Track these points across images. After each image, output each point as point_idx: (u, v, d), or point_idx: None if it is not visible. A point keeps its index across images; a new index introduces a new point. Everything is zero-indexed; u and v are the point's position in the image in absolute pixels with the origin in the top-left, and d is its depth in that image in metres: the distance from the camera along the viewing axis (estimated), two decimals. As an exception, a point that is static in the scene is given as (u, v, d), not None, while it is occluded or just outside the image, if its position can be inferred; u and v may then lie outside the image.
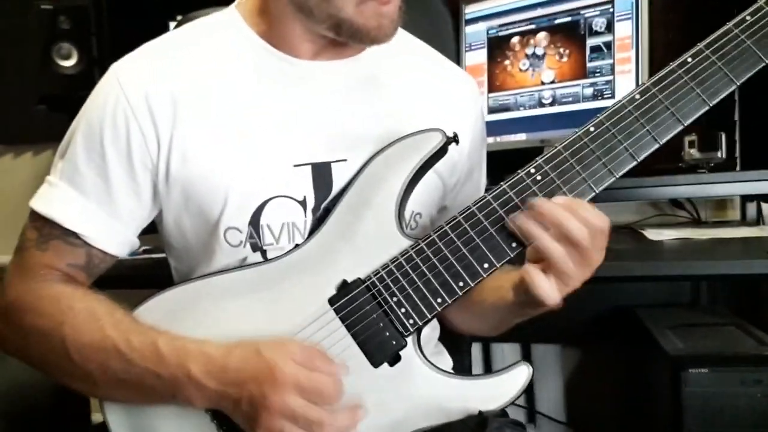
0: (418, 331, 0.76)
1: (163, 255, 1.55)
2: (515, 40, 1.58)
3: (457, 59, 1.65)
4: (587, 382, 1.80)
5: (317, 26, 0.79)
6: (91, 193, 0.80)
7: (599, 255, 0.72)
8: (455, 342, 1.09)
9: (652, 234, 1.37)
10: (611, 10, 1.46)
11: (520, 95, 1.57)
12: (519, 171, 0.76)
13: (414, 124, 0.83)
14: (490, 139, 1.62)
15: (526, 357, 1.82)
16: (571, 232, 0.69)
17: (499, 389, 0.75)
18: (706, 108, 0.77)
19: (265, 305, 0.77)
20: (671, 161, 1.48)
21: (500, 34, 1.60)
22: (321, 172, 0.81)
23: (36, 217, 0.81)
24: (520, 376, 0.75)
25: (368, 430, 0.74)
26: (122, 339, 0.73)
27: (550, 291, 0.71)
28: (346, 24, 0.77)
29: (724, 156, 1.43)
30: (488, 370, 1.85)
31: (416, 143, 0.80)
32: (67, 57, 1.65)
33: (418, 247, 0.76)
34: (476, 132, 0.94)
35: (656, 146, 0.77)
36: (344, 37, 0.79)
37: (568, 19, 1.51)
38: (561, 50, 1.52)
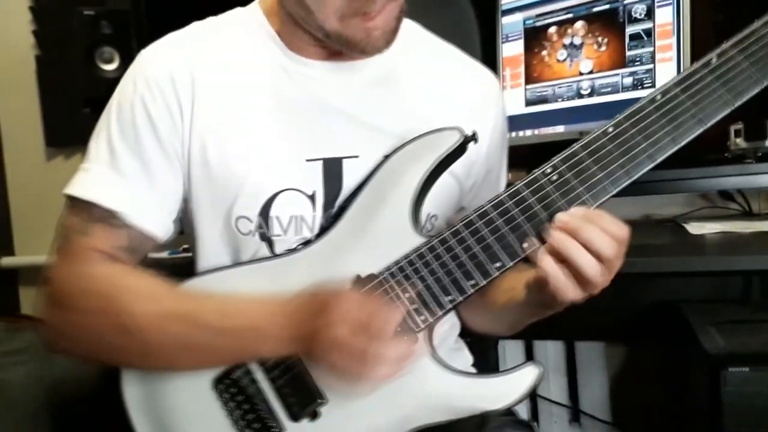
0: (429, 327, 0.79)
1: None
2: (552, 30, 1.57)
3: (493, 51, 1.66)
4: (633, 380, 1.78)
5: (316, 33, 0.82)
6: (128, 173, 0.84)
7: (620, 262, 0.74)
8: (483, 340, 1.11)
9: (694, 228, 1.35)
10: (651, -4, 1.44)
11: (558, 86, 1.57)
12: (535, 170, 0.78)
13: (430, 123, 0.85)
14: (528, 132, 1.62)
15: (570, 355, 1.82)
16: (601, 250, 0.71)
17: (506, 388, 0.77)
18: (730, 109, 0.77)
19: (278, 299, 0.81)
20: (717, 151, 1.46)
21: (537, 24, 1.60)
22: (332, 168, 0.84)
23: (74, 204, 0.85)
24: (527, 376, 0.77)
25: (376, 424, 0.78)
26: (193, 305, 0.80)
27: (572, 290, 0.73)
28: (334, 35, 0.80)
29: (771, 145, 1.40)
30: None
31: (433, 142, 0.82)
32: (110, 61, 1.73)
33: (431, 244, 0.78)
34: (496, 133, 0.95)
35: (675, 148, 0.77)
36: (338, 47, 0.82)
37: (607, 6, 1.50)
38: (599, 39, 1.51)
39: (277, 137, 0.84)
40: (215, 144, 0.83)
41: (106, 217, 0.84)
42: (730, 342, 1.27)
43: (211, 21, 0.90)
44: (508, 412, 0.81)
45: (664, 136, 0.76)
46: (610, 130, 0.77)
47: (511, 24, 1.63)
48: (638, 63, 1.46)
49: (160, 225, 0.86)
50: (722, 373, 1.15)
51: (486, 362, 1.17)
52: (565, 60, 1.56)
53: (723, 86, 0.76)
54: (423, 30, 0.96)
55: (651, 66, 1.45)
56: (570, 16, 1.55)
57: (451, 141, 0.81)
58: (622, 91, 1.49)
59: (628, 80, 1.48)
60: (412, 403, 0.78)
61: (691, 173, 1.43)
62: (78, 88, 1.73)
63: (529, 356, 1.85)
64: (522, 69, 1.62)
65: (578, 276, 0.71)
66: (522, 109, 1.62)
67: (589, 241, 0.70)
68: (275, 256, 0.84)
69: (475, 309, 0.92)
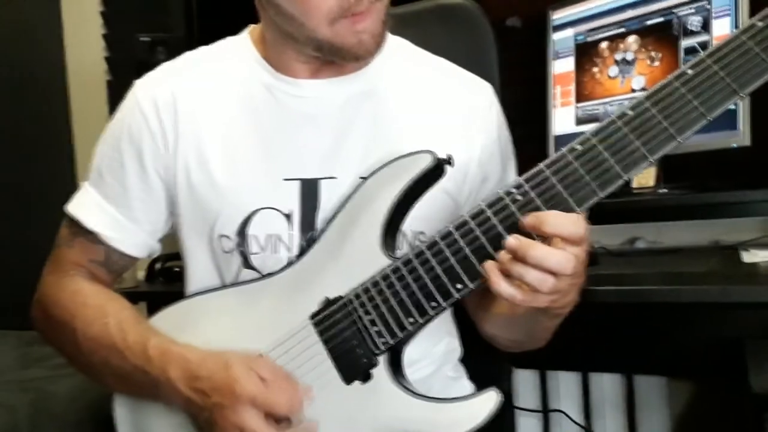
0: (391, 350, 0.81)
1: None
2: (604, 45, 1.56)
3: (543, 68, 1.66)
4: (698, 419, 1.69)
5: (305, 49, 0.87)
6: (111, 197, 0.94)
7: (580, 264, 0.73)
8: (492, 368, 1.11)
9: (749, 256, 1.29)
10: (708, 6, 1.40)
11: (610, 104, 1.54)
12: (499, 190, 0.78)
13: (415, 139, 0.88)
14: (581, 152, 1.60)
15: (629, 390, 1.75)
16: (551, 267, 0.70)
17: (465, 415, 0.77)
18: (705, 122, 0.75)
19: (253, 320, 0.87)
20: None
21: (588, 39, 1.58)
22: (309, 188, 0.89)
23: (68, 218, 0.97)
24: (488, 401, 0.77)
25: None
26: (121, 337, 0.87)
27: (508, 290, 0.72)
28: (326, 45, 0.84)
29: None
30: (586, 405, 1.81)
31: (405, 165, 0.84)
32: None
33: (394, 266, 0.81)
34: (491, 140, 0.97)
35: (647, 163, 0.76)
36: (329, 57, 0.87)
37: (660, 19, 1.47)
38: (652, 54, 1.48)
39: (256, 157, 0.90)
40: (198, 167, 0.91)
41: (87, 233, 0.95)
42: (784, 382, 1.20)
43: (201, 50, 0.99)
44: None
45: (633, 152, 0.75)
46: (578, 147, 0.77)
47: (562, 40, 1.63)
48: (693, 78, 1.42)
49: (137, 246, 0.96)
50: (766, 416, 1.09)
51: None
52: (616, 76, 1.54)
53: (697, 98, 0.74)
54: (412, 46, 1.00)
55: (706, 81, 1.40)
56: (622, 30, 1.53)
57: (423, 165, 0.83)
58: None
59: (683, 96, 1.43)
60: (368, 426, 0.81)
61: (752, 196, 1.37)
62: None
63: (585, 390, 1.80)
64: (573, 86, 1.61)
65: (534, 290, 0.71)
66: (573, 128, 1.61)
67: (537, 260, 0.70)
68: (254, 279, 0.90)
69: (496, 322, 0.95)
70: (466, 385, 1.02)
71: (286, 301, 0.86)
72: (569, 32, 1.61)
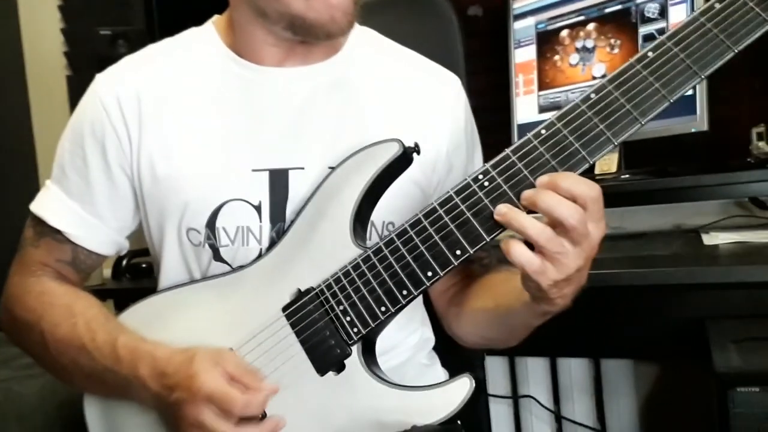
0: (363, 339, 0.80)
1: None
2: (564, 33, 1.57)
3: (506, 58, 1.66)
4: (664, 401, 1.72)
5: (275, 27, 0.86)
6: (75, 194, 0.92)
7: (597, 228, 0.70)
8: (465, 356, 1.11)
9: (709, 238, 1.31)
10: (665, -7, 1.42)
11: (571, 92, 1.56)
12: (467, 177, 0.78)
13: (382, 129, 0.88)
14: (543, 140, 1.61)
15: (596, 373, 1.78)
16: (562, 217, 0.67)
17: (439, 402, 0.77)
18: (667, 104, 0.75)
19: (225, 314, 0.85)
20: (740, 156, 1.41)
21: (549, 28, 1.59)
22: (278, 179, 0.88)
23: (33, 217, 0.95)
24: (462, 388, 0.77)
25: None
26: (89, 337, 0.84)
27: (531, 261, 0.69)
28: (299, 20, 0.83)
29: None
30: (555, 389, 1.83)
31: (372, 155, 0.83)
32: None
33: (366, 255, 0.80)
34: (458, 131, 0.97)
35: (611, 146, 0.76)
36: (301, 35, 0.86)
37: (619, 7, 1.48)
38: (612, 41, 1.49)
39: (222, 149, 0.88)
40: (163, 160, 0.88)
41: (53, 233, 0.93)
42: (745, 360, 1.22)
43: (165, 41, 0.96)
44: (448, 427, 0.80)
45: (598, 136, 0.75)
46: (543, 132, 0.77)
47: (523, 29, 1.64)
48: (652, 64, 1.43)
49: (103, 243, 0.94)
50: (730, 393, 1.11)
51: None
52: (577, 64, 1.55)
53: (658, 80, 0.75)
54: (380, 37, 0.99)
55: (665, 67, 1.42)
56: (582, 18, 1.54)
57: (390, 153, 0.82)
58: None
59: (642, 83, 1.45)
60: (342, 416, 0.80)
61: (711, 180, 1.39)
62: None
63: (554, 375, 1.82)
64: (535, 75, 1.62)
65: (544, 252, 0.69)
66: (535, 116, 1.62)
67: (548, 210, 0.68)
68: (225, 273, 0.88)
69: (473, 318, 0.93)
70: (440, 372, 1.02)
71: (258, 294, 0.85)
72: (530, 21, 1.62)
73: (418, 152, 0.85)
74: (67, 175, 0.92)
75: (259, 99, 0.90)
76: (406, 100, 0.94)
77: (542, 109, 1.61)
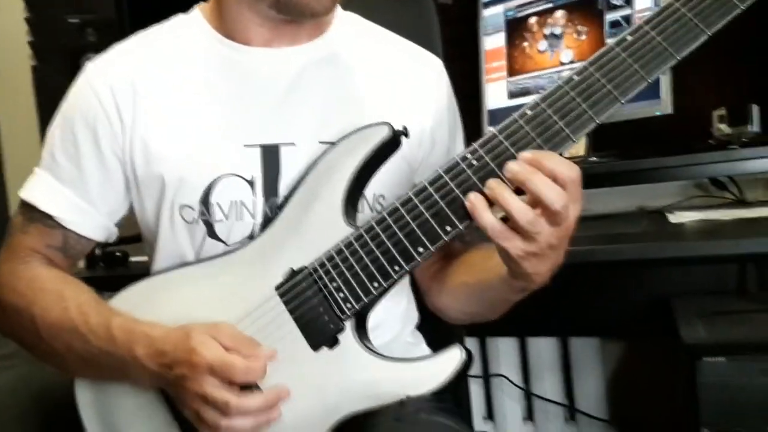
0: (357, 314, 0.82)
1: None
2: (533, 20, 1.60)
3: (476, 45, 1.69)
4: (630, 377, 1.79)
5: (261, 6, 0.88)
6: (66, 179, 0.92)
7: (574, 209, 0.73)
8: (447, 335, 1.14)
9: (675, 217, 1.36)
10: (629, -19, 1.46)
11: (540, 77, 1.60)
12: (455, 156, 0.81)
13: (370, 107, 0.91)
14: (513, 125, 1.64)
15: (564, 352, 1.83)
16: (548, 201, 0.70)
17: (429, 373, 0.79)
18: (645, 84, 0.79)
19: (218, 294, 0.87)
20: (701, 138, 1.46)
21: (518, 15, 1.63)
22: (270, 154, 0.90)
23: (22, 204, 0.95)
24: (452, 359, 0.79)
25: (304, 413, 0.82)
26: (82, 320, 0.85)
27: (519, 243, 0.72)
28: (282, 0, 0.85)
29: (756, 129, 1.40)
30: (525, 368, 1.88)
31: (364, 137, 0.86)
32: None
33: (358, 233, 0.82)
34: (441, 109, 1.00)
35: (594, 125, 0.79)
36: (285, 14, 0.88)
37: (586, -6, 1.52)
38: (579, 28, 1.53)
39: (214, 125, 0.90)
40: (156, 140, 0.90)
41: (43, 218, 0.93)
42: (711, 333, 1.27)
43: (153, 28, 0.97)
44: (434, 398, 0.83)
45: (580, 116, 0.78)
46: (528, 112, 0.80)
47: (492, 16, 1.67)
48: (618, 51, 1.48)
49: (95, 228, 0.95)
50: (697, 364, 1.16)
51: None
52: (546, 50, 1.59)
53: (636, 62, 0.78)
54: (364, 20, 1.02)
55: (630, 53, 1.46)
56: (550, 5, 1.58)
57: (380, 136, 0.85)
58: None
59: (609, 68, 1.49)
60: (336, 390, 0.82)
61: (675, 161, 1.43)
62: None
63: (523, 354, 1.87)
64: (504, 62, 1.65)
65: (521, 229, 0.71)
66: (505, 102, 1.65)
67: (535, 191, 0.70)
68: (217, 255, 0.90)
69: (454, 293, 0.96)
70: (425, 350, 1.05)
71: (251, 275, 0.86)
72: (499, 8, 1.66)
73: (407, 135, 0.87)
74: (58, 162, 0.93)
75: (248, 78, 0.92)
76: (390, 80, 0.97)
77: (512, 95, 1.65)
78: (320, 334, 0.82)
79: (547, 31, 1.58)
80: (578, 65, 0.80)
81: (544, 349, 1.84)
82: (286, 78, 0.92)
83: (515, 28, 1.63)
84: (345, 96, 0.94)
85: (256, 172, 0.90)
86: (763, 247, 1.10)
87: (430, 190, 0.81)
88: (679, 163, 1.43)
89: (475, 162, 0.80)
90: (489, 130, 0.81)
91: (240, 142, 0.90)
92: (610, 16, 1.49)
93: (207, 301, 0.87)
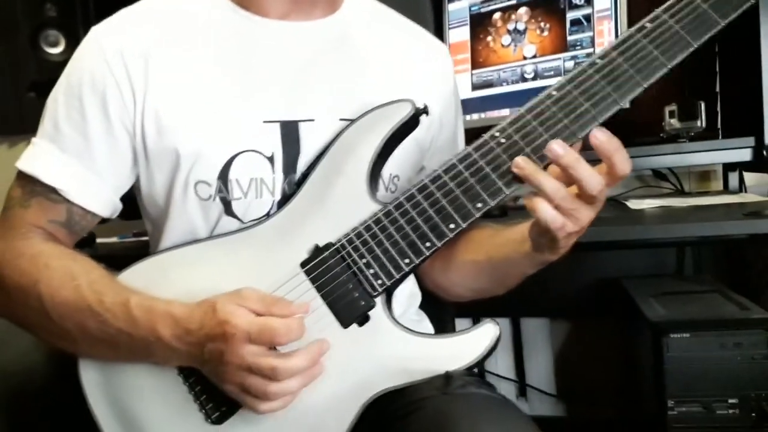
0: (387, 291, 0.78)
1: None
2: (497, 16, 1.59)
3: (441, 36, 1.66)
4: (576, 354, 1.82)
5: None
6: (71, 150, 0.83)
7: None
8: (438, 312, 1.11)
9: (634, 204, 1.39)
10: (590, -18, 1.47)
11: (503, 71, 1.59)
12: (483, 135, 0.78)
13: (384, 87, 0.87)
14: (475, 116, 1.63)
15: (516, 331, 1.84)
16: (593, 191, 0.70)
17: (466, 348, 0.76)
18: (666, 70, 0.78)
19: (239, 271, 0.80)
20: (652, 133, 1.50)
21: (482, 10, 1.61)
22: (289, 130, 0.83)
23: (20, 176, 0.84)
24: (487, 334, 0.77)
25: (335, 391, 0.76)
26: (96, 299, 0.76)
27: (555, 218, 0.70)
28: None
29: (703, 125, 1.44)
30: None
31: (387, 113, 0.82)
32: (55, 44, 1.67)
33: (386, 209, 0.78)
34: (447, 92, 0.98)
35: (617, 108, 0.78)
36: None
37: (549, -7, 1.52)
38: (542, 24, 1.53)
39: (233, 100, 0.82)
40: (170, 112, 0.81)
41: (46, 191, 0.83)
42: (669, 311, 1.31)
43: None
44: (470, 372, 0.80)
45: (606, 98, 0.77)
46: (554, 93, 0.78)
47: (457, 10, 1.65)
48: (579, 47, 1.49)
49: (101, 202, 0.85)
50: (664, 340, 1.19)
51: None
52: (509, 45, 1.58)
53: (656, 48, 0.78)
54: (377, 3, 0.98)
55: (591, 50, 1.48)
56: (513, 2, 1.57)
57: (404, 112, 0.82)
58: (564, 75, 1.50)
59: (570, 64, 1.51)
60: (368, 367, 0.77)
61: (628, 152, 1.46)
62: (23, 72, 1.67)
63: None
64: (468, 54, 1.63)
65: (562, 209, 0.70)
66: (469, 94, 1.63)
67: (581, 179, 0.69)
68: (235, 231, 0.82)
69: (462, 271, 0.92)
70: (429, 328, 1.01)
71: (271, 251, 0.80)
72: (464, 3, 1.63)
73: (427, 113, 0.84)
74: (62, 131, 0.83)
75: (265, 51, 0.85)
76: (401, 62, 0.93)
77: (475, 87, 1.63)
78: (350, 311, 0.77)
79: (510, 26, 1.57)
80: (601, 50, 0.79)
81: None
82: (303, 53, 0.86)
83: (479, 23, 1.62)
84: (359, 74, 0.89)
85: (276, 148, 0.83)
86: (718, 230, 1.12)
87: (460, 167, 0.78)
88: (634, 154, 1.45)
89: (503, 140, 0.77)
90: (516, 110, 0.79)
91: (259, 118, 0.83)
92: (572, 15, 1.49)
93: (228, 278, 0.79)
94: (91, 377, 0.82)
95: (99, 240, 1.51)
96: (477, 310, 1.83)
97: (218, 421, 0.78)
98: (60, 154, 0.83)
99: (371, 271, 0.77)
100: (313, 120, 0.84)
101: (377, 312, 0.78)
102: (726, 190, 1.64)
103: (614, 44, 0.79)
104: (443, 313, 1.13)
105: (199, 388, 0.78)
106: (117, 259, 1.03)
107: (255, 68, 0.84)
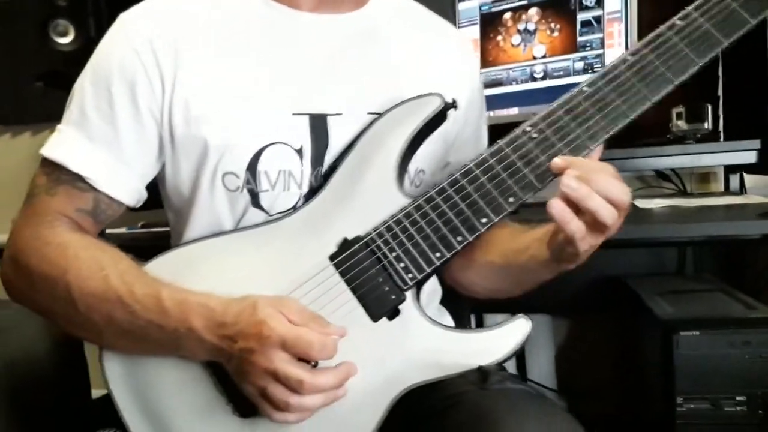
0: (418, 285, 0.76)
1: (161, 229, 1.55)
2: (507, 15, 1.57)
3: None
4: (578, 351, 1.81)
5: None
6: (99, 139, 0.80)
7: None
8: (455, 308, 1.09)
9: (642, 203, 1.38)
10: (601, -16, 1.46)
11: (512, 70, 1.57)
12: (515, 129, 0.77)
13: (412, 81, 0.84)
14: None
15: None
16: (613, 196, 0.67)
17: (497, 343, 0.75)
18: (696, 67, 0.77)
19: (266, 264, 0.78)
20: (659, 134, 1.49)
21: (493, 10, 1.59)
22: (318, 124, 0.81)
23: (45, 164, 0.81)
24: (518, 329, 0.75)
25: (365, 385, 0.74)
26: (126, 290, 0.73)
27: (580, 229, 0.67)
28: None
29: (710, 127, 1.44)
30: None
31: (416, 107, 0.80)
32: (64, 34, 1.63)
33: (417, 203, 0.76)
34: (472, 88, 0.95)
35: (648, 104, 0.77)
36: None
37: (559, -6, 1.51)
38: (552, 25, 1.52)
39: (263, 91, 0.80)
40: (199, 101, 0.79)
41: (73, 179, 0.80)
42: (678, 309, 1.30)
43: None
44: (501, 368, 0.79)
45: (636, 94, 0.76)
46: (586, 89, 0.77)
47: (467, 9, 1.63)
48: (588, 48, 1.48)
49: (128, 192, 0.82)
50: (674, 337, 1.17)
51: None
52: (519, 45, 1.57)
53: (687, 46, 0.76)
54: None
55: (601, 51, 1.46)
56: (524, 2, 1.55)
57: (433, 106, 0.80)
58: (574, 75, 1.50)
59: (579, 64, 1.49)
60: (399, 361, 0.75)
61: (634, 153, 1.45)
62: (30, 61, 1.63)
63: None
64: (478, 53, 1.61)
65: (593, 223, 0.67)
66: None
67: (604, 189, 0.66)
68: (261, 223, 0.80)
69: (480, 271, 0.90)
70: (450, 322, 0.99)
71: (300, 244, 0.77)
72: (474, 2, 1.61)
73: (456, 108, 0.83)
74: (89, 119, 0.80)
75: (295, 43, 0.83)
76: (427, 57, 0.91)
77: (485, 86, 1.61)
78: (381, 305, 0.75)
79: (521, 26, 1.56)
80: (632, 47, 0.78)
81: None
82: (330, 46, 0.84)
83: (490, 22, 1.60)
84: (386, 69, 0.87)
85: (305, 141, 0.81)
86: (732, 230, 1.12)
87: (492, 161, 0.76)
88: (642, 154, 1.45)
89: (535, 135, 0.76)
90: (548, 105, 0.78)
91: (289, 110, 0.80)
92: (582, 16, 1.48)
93: (256, 270, 0.77)
94: (114, 369, 0.79)
95: (107, 231, 1.48)
96: (479, 306, 1.83)
97: (246, 414, 0.75)
98: (87, 143, 0.80)
99: (402, 264, 0.75)
100: (341, 114, 0.82)
101: (407, 306, 0.76)
102: (727, 191, 1.64)
103: (646, 41, 0.78)
104: (461, 308, 1.11)
105: (227, 381, 0.75)
106: (125, 250, 1.01)
107: (285, 60, 0.82)
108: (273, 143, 0.79)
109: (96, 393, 1.71)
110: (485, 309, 1.81)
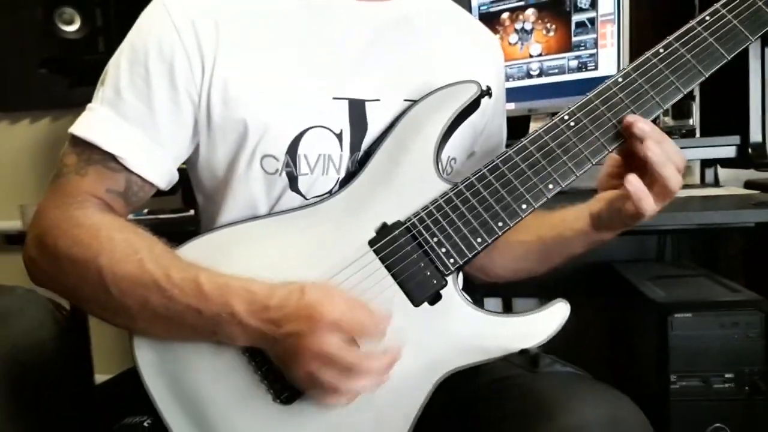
0: (459, 270, 0.73)
1: (166, 216, 1.48)
2: (505, 15, 1.54)
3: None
4: (567, 332, 1.79)
5: None
6: (133, 118, 0.73)
7: None
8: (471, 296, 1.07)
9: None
10: (595, -13, 1.44)
11: (510, 67, 1.54)
12: (553, 118, 0.74)
13: (444, 70, 0.81)
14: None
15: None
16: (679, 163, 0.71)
17: (538, 326, 0.72)
18: (725, 60, 0.75)
19: (304, 248, 0.73)
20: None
21: (491, 9, 1.56)
22: (357, 109, 0.77)
23: (76, 143, 0.74)
24: (558, 312, 0.73)
25: (407, 369, 0.69)
26: (162, 274, 0.66)
27: (653, 204, 0.71)
28: None
29: (695, 124, 1.43)
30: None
31: (454, 93, 0.77)
32: (70, 22, 1.54)
33: (458, 189, 0.73)
34: (499, 83, 0.93)
35: (680, 95, 0.75)
36: None
37: (555, -4, 1.48)
38: (548, 25, 1.49)
39: (303, 75, 0.75)
40: (238, 83, 0.73)
41: (105, 159, 0.73)
42: (668, 293, 1.29)
43: None
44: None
45: (669, 85, 0.74)
46: (620, 80, 0.75)
47: (465, 8, 1.59)
48: (582, 48, 1.46)
49: (161, 173, 0.76)
50: (669, 319, 1.17)
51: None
52: (516, 43, 1.54)
53: (717, 41, 0.75)
54: None
55: (594, 51, 1.45)
56: (522, 3, 1.52)
57: (470, 93, 0.77)
58: (568, 73, 1.48)
59: (574, 63, 1.47)
60: (440, 345, 0.71)
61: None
62: (34, 48, 1.53)
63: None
64: (476, 51, 1.58)
65: (660, 189, 0.70)
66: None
67: (675, 156, 0.71)
68: (298, 207, 0.75)
69: (507, 250, 0.88)
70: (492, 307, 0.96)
71: (339, 229, 0.73)
72: (473, 2, 1.58)
73: (490, 95, 0.80)
74: (124, 98, 0.73)
75: (334, 29, 0.78)
76: (460, 47, 0.88)
77: (482, 81, 1.58)
78: (422, 290, 0.71)
79: (518, 26, 1.53)
80: (664, 40, 0.75)
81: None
82: (367, 33, 0.80)
83: (488, 21, 1.56)
84: (421, 57, 0.83)
85: (344, 125, 0.76)
86: (729, 218, 1.11)
87: (531, 149, 0.74)
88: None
89: (573, 124, 0.74)
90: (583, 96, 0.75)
91: (329, 94, 0.76)
92: (577, 17, 1.46)
93: (289, 254, 0.72)
94: (146, 356, 0.71)
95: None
96: (471, 289, 1.80)
97: (287, 401, 0.70)
98: (121, 122, 0.73)
99: (443, 249, 0.71)
100: (378, 100, 0.78)
101: (449, 290, 0.72)
102: (703, 183, 1.64)
103: (676, 35, 0.76)
104: (473, 295, 1.08)
105: (266, 367, 0.70)
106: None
107: (324, 45, 0.77)
108: (314, 126, 0.75)
109: (99, 378, 1.64)
110: (470, 293, 1.78)
